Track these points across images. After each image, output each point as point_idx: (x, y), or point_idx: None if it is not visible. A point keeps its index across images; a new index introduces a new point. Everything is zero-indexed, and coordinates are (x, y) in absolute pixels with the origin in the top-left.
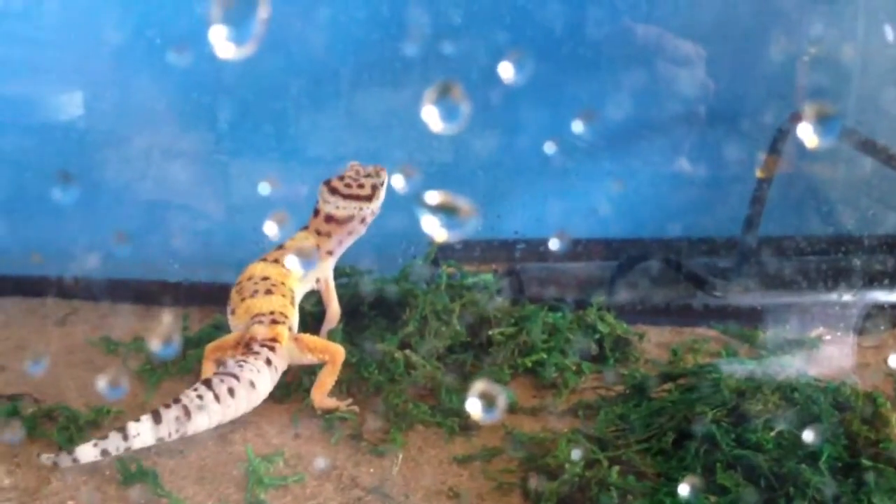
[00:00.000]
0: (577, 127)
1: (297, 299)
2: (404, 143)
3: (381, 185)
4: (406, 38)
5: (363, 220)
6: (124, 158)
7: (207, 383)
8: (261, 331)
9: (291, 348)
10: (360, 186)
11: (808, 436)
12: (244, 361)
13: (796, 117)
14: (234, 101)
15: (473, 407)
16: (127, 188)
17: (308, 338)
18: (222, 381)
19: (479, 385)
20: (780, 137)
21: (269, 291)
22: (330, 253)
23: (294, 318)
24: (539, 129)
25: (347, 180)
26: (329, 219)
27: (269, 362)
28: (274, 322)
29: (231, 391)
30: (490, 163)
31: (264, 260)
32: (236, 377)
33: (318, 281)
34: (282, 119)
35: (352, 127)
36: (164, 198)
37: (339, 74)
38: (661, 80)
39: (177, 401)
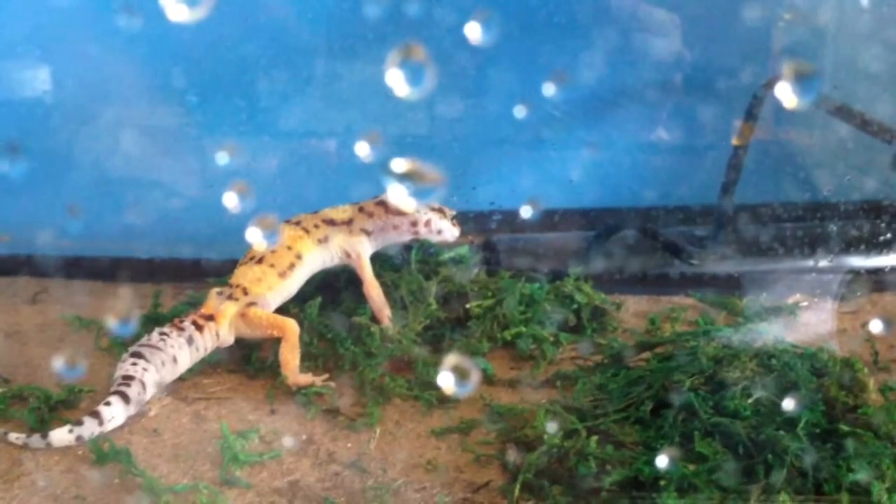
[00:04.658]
0: (552, 96)
1: (310, 266)
2: (378, 115)
3: (454, 222)
4: (378, 6)
5: (415, 223)
6: (91, 134)
7: (138, 355)
8: (211, 304)
9: (239, 324)
10: (437, 204)
11: (786, 402)
12: (167, 335)
13: (772, 83)
14: (203, 73)
15: (446, 381)
16: (95, 165)
17: (256, 313)
18: (152, 353)
19: (452, 358)
20: (756, 104)
21: (260, 260)
22: (365, 232)
23: (278, 288)
24: (513, 99)
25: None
26: (381, 203)
27: (190, 341)
28: (229, 297)
29: (163, 363)
30: (464, 133)
31: (287, 222)
32: (161, 350)
33: (348, 256)
34: (252, 92)
35: (324, 99)
36: (133, 173)
37: (311, 45)
38: (635, 47)
39: (130, 377)
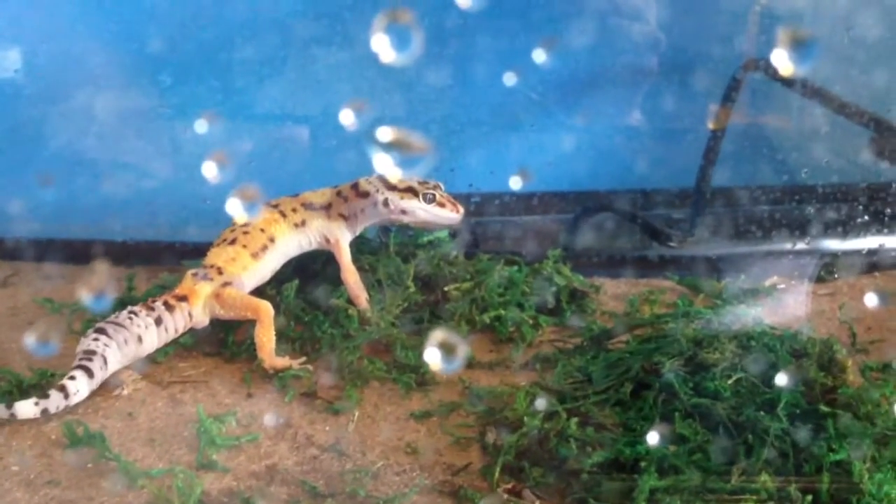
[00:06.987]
0: (531, 79)
1: (284, 249)
2: (355, 96)
3: (420, 196)
4: None
5: (375, 204)
6: (64, 115)
7: (101, 331)
8: (186, 285)
9: (213, 305)
10: (402, 182)
11: (765, 383)
12: (135, 314)
13: (749, 66)
14: (177, 54)
15: (432, 357)
16: (67, 146)
17: (231, 294)
18: (116, 330)
19: (437, 335)
20: (734, 86)
21: (233, 241)
22: (343, 217)
23: (252, 268)
24: (493, 82)
25: (403, 177)
26: (354, 185)
27: (158, 321)
28: (204, 278)
29: (126, 341)
30: (443, 116)
31: (267, 204)
32: (126, 328)
33: (328, 241)
34: (227, 73)
35: (301, 81)
36: (106, 156)
37: (288, 26)
38: (614, 32)
39: (91, 352)
